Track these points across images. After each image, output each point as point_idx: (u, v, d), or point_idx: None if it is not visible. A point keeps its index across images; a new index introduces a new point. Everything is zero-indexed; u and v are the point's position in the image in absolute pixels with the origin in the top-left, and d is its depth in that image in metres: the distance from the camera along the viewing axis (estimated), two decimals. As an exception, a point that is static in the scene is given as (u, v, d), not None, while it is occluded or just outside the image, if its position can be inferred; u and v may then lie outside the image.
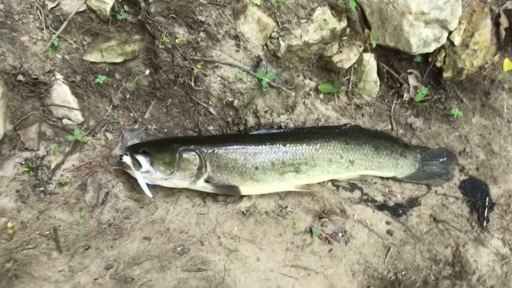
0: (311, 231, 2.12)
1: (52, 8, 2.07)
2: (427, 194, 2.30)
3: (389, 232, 2.19)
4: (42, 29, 2.07)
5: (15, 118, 2.10)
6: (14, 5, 2.03)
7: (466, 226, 2.26)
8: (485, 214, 2.27)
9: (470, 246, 2.23)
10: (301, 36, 2.08)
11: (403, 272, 2.15)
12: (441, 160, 2.29)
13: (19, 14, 2.04)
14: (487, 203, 2.28)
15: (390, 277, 2.14)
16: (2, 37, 2.01)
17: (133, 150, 2.00)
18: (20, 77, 2.03)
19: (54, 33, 2.06)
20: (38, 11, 2.06)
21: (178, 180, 2.01)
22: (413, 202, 2.27)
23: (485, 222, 2.26)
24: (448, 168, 2.30)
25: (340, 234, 2.14)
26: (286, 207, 2.16)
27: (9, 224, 2.00)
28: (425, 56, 2.29)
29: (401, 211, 2.24)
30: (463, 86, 2.33)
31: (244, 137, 2.13)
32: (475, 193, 2.31)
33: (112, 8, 2.07)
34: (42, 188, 2.06)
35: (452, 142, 2.37)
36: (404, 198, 2.27)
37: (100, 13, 2.08)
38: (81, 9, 2.07)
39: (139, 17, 2.06)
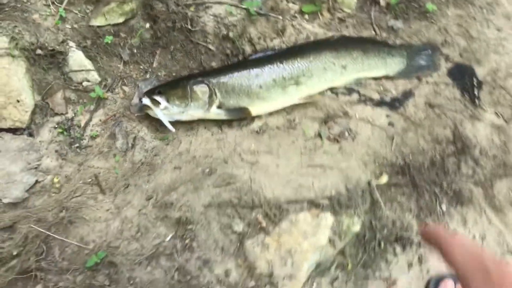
0: (320, 135, 2.35)
1: (53, -15, 2.32)
2: (419, 85, 2.51)
3: (391, 124, 2.41)
4: (49, 5, 2.31)
5: (41, 89, 2.35)
6: (20, -11, 2.28)
7: (460, 107, 2.47)
8: (476, 93, 2.48)
9: (467, 123, 2.45)
10: (276, -37, 2.30)
11: (410, 157, 2.37)
12: (426, 53, 2.50)
13: (26, -4, 2.30)
14: (475, 83, 2.49)
15: (399, 163, 2.36)
16: (16, 18, 2.26)
17: (150, 92, 2.25)
18: (39, 51, 2.29)
19: (60, 7, 2.31)
20: (42, -10, 2.31)
21: (193, 111, 2.25)
22: (408, 94, 2.48)
23: (476, 100, 2.47)
24: (434, 59, 2.51)
25: (346, 133, 2.36)
26: (294, 119, 2.39)
27: (55, 180, 2.26)
28: (392, -38, 2.50)
29: (398, 104, 2.46)
30: (432, -17, 2.54)
31: (245, 63, 2.36)
32: (463, 77, 2.52)
33: (105, -26, 2.32)
34: (77, 144, 2.32)
35: (433, 35, 2.58)
36: (399, 92, 2.49)
37: (95, -19, 2.33)
38: (78, -19, 2.33)
39: (130, -23, 2.30)
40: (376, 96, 2.47)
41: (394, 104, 2.45)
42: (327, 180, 2.28)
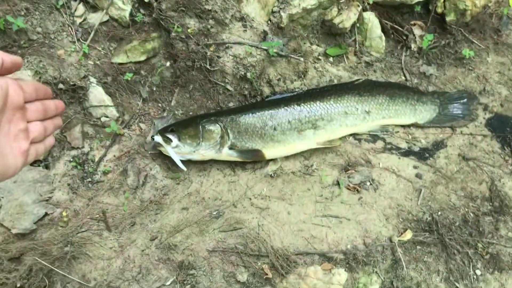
0: (338, 184, 2.19)
1: (80, 23, 2.38)
2: (452, 136, 2.30)
3: (418, 175, 2.21)
4: (74, 42, 2.37)
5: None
6: (49, 27, 2.35)
7: (499, 161, 2.23)
8: (518, 147, 2.24)
9: (507, 179, 2.19)
10: (299, 4, 2.24)
11: (439, 213, 2.14)
12: (461, 101, 2.30)
13: (54, 33, 2.36)
14: (518, 136, 2.25)
15: (426, 219, 2.14)
16: (42, 54, 2.33)
17: (162, 130, 2.21)
18: (61, 86, 2.33)
19: (84, 44, 2.36)
20: (69, 28, 2.37)
21: (204, 151, 2.17)
22: (439, 144, 2.28)
23: (519, 155, 2.23)
24: (470, 109, 2.31)
25: (368, 183, 2.19)
26: (312, 165, 2.25)
27: (64, 213, 2.24)
28: (425, 5, 2.37)
29: (427, 155, 2.26)
30: (469, 27, 2.36)
31: (260, 103, 2.28)
32: (504, 129, 2.29)
33: (130, 13, 2.35)
34: (89, 179, 2.30)
35: (471, 83, 2.38)
36: (429, 142, 2.29)
37: (121, 20, 2.37)
38: (104, 19, 2.37)
39: (154, 16, 2.32)
40: (403, 145, 2.29)
41: (423, 154, 2.26)
42: (343, 233, 2.10)
